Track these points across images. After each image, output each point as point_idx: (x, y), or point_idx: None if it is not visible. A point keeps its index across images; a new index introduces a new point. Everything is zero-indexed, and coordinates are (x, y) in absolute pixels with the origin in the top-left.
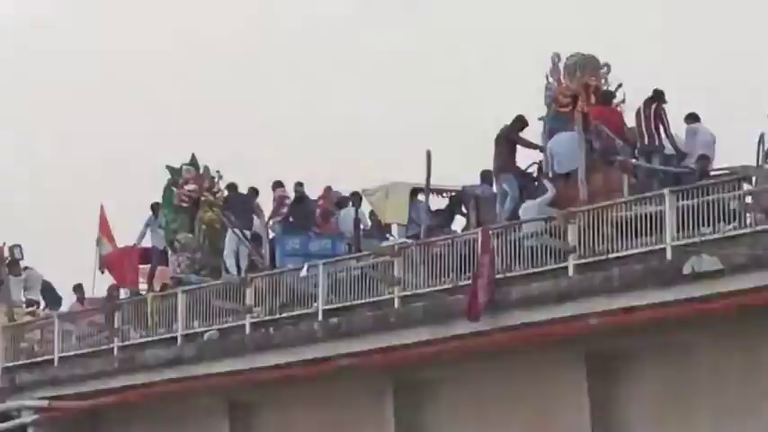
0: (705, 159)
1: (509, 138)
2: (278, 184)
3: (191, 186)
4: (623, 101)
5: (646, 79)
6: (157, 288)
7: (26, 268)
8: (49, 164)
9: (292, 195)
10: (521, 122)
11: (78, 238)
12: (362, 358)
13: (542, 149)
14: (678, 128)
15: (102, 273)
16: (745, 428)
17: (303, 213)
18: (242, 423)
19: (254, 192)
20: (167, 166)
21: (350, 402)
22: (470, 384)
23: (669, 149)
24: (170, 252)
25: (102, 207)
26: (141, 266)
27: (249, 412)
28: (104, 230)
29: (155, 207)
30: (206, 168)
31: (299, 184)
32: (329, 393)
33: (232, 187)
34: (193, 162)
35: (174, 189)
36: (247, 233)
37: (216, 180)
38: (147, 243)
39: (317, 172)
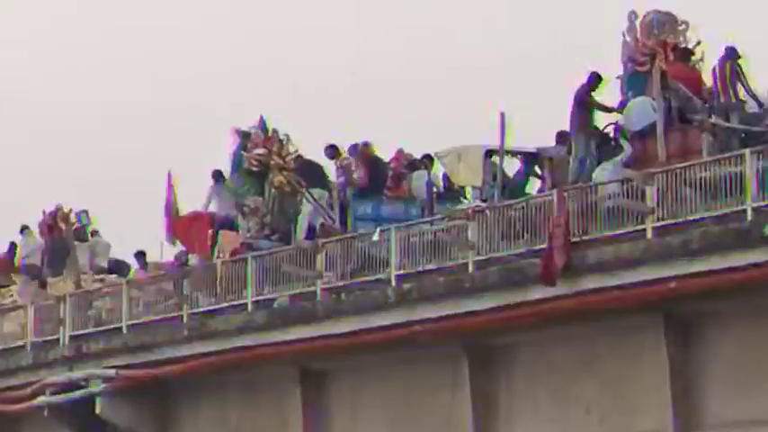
0: None
1: (583, 99)
2: (335, 150)
3: (260, 150)
4: (701, 59)
5: (725, 37)
6: (227, 254)
7: (94, 234)
8: (116, 129)
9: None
10: (596, 80)
11: (145, 204)
12: (436, 324)
13: (619, 110)
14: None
15: (174, 244)
16: None
17: (376, 176)
18: (314, 390)
19: (335, 148)
20: (236, 130)
21: (423, 369)
22: (546, 350)
23: (752, 107)
24: (240, 217)
25: (169, 174)
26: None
27: (321, 380)
28: (170, 198)
29: (216, 174)
30: (275, 131)
31: (367, 145)
32: (402, 360)
33: (299, 156)
34: (264, 126)
35: (244, 153)
36: (321, 194)
37: (285, 143)
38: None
39: (387, 134)
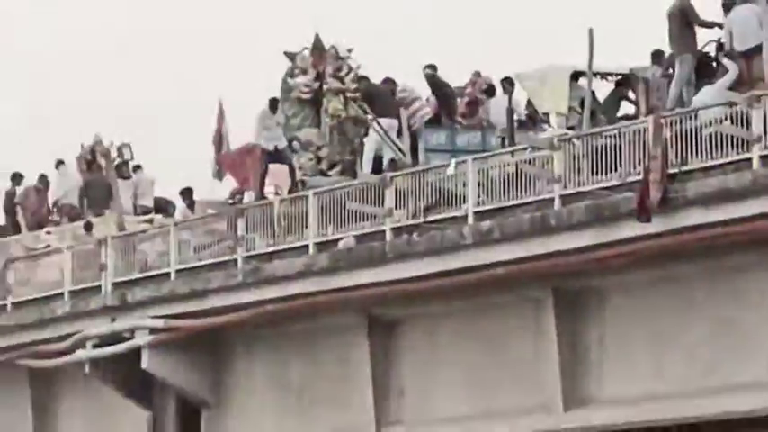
0: None
1: (682, 13)
2: (392, 84)
3: (306, 77)
4: None
5: None
6: (285, 191)
7: (136, 169)
8: (158, 53)
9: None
10: None
11: (192, 135)
12: (519, 266)
13: (721, 26)
14: None
15: (221, 180)
16: None
17: (446, 103)
18: (383, 342)
19: (391, 82)
20: (285, 53)
21: (505, 316)
22: (640, 294)
23: None
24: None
25: (220, 103)
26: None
27: (390, 329)
28: (220, 130)
29: (273, 102)
30: (333, 49)
31: (431, 67)
32: (481, 307)
33: (364, 79)
34: (317, 44)
35: (290, 80)
36: (391, 124)
37: (345, 59)
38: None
39: (461, 53)
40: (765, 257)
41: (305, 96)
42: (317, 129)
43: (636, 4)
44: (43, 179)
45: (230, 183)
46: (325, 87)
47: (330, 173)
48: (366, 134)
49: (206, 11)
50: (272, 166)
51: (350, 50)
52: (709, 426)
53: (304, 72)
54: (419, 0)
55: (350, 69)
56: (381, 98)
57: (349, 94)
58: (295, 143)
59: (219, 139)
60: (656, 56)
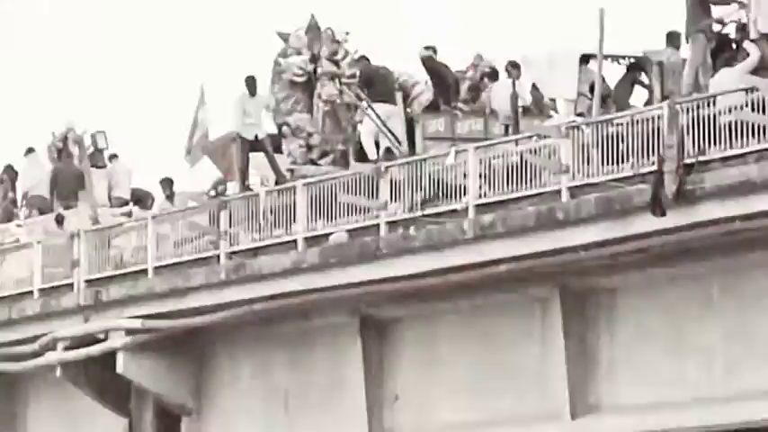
0: None
1: None
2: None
3: (297, 59)
4: None
5: None
6: (272, 182)
7: (112, 158)
8: (136, 39)
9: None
10: None
11: (173, 122)
12: (523, 263)
13: (742, 4)
14: None
15: (192, 165)
16: None
17: (444, 88)
18: (376, 344)
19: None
20: (278, 33)
21: (508, 317)
22: (654, 293)
23: None
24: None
25: (201, 89)
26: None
27: (385, 330)
28: (198, 115)
29: (250, 83)
30: (329, 30)
31: (430, 49)
32: (482, 307)
33: (363, 59)
34: (312, 25)
35: (282, 60)
36: (389, 111)
37: (341, 43)
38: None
39: (462, 35)
40: None
41: (298, 79)
42: (309, 114)
43: None
44: (9, 169)
45: (213, 173)
46: (319, 71)
47: (321, 162)
48: (360, 121)
49: None
50: (258, 155)
51: (347, 34)
52: None
53: (298, 52)
54: None
55: (346, 53)
56: (381, 81)
57: (344, 80)
58: (285, 128)
59: (194, 125)
60: (672, 38)
